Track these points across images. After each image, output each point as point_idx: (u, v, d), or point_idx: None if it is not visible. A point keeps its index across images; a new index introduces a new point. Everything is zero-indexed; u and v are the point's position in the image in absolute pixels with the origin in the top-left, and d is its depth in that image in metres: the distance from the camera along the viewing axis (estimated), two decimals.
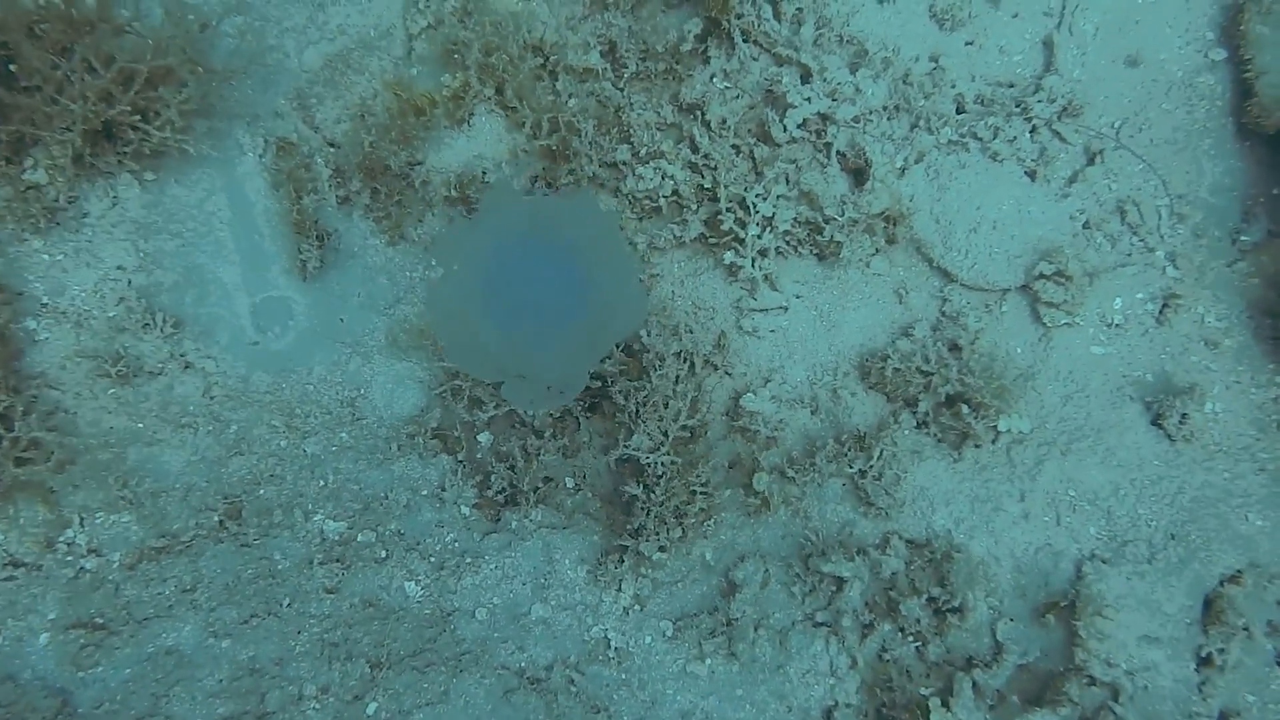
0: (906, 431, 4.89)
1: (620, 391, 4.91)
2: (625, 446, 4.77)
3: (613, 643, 4.54)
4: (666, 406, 4.80)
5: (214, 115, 5.00)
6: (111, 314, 4.58)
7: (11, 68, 4.38)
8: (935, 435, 4.86)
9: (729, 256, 5.11)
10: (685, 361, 4.99)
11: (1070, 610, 4.33)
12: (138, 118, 4.60)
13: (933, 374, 4.77)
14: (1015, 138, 4.95)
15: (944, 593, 4.46)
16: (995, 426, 4.69)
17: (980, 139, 5.02)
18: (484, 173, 5.36)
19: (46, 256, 4.55)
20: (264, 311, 4.98)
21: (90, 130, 4.50)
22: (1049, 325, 4.79)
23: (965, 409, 4.70)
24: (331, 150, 5.33)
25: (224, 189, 5.00)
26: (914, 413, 4.90)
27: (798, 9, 5.10)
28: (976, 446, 4.77)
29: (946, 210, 4.98)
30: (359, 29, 5.43)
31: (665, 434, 4.78)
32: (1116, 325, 4.76)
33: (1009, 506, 4.62)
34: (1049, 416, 4.70)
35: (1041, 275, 4.75)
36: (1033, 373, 4.77)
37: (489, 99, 5.34)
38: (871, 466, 4.75)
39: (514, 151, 5.39)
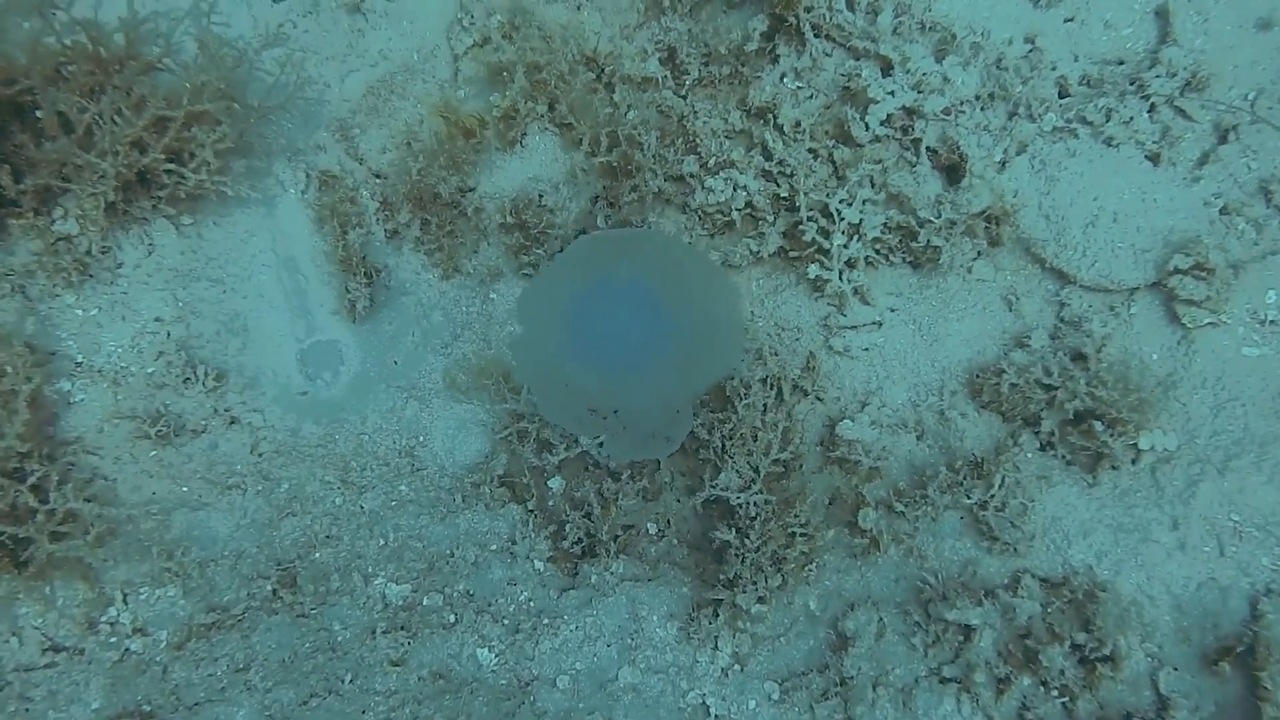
0: (1029, 454, 4.32)
1: (703, 425, 4.43)
2: (712, 486, 4.27)
3: (712, 709, 4.02)
4: (755, 439, 4.31)
5: (251, 153, 4.68)
6: (150, 370, 4.24)
7: (38, 113, 4.10)
8: (1064, 457, 4.28)
9: (813, 270, 4.62)
10: (772, 388, 4.50)
11: (1249, 656, 3.70)
12: (172, 162, 4.29)
13: (1057, 388, 4.21)
14: (1131, 119, 4.40)
15: (1091, 639, 3.86)
16: (1135, 445, 4.10)
17: (1090, 123, 4.48)
18: (540, 196, 4.97)
19: (80, 312, 4.23)
20: (312, 358, 4.62)
21: (123, 179, 4.20)
22: (1190, 326, 4.20)
23: (1098, 426, 4.12)
24: (377, 181, 4.98)
25: (265, 229, 4.67)
26: (1036, 433, 4.34)
27: None
28: (1114, 468, 4.18)
29: (1058, 204, 4.43)
30: (401, 53, 5.10)
31: (756, 470, 4.28)
32: (1271, 322, 4.15)
33: (1160, 536, 4.01)
34: (1199, 430, 4.10)
35: (1176, 270, 4.17)
36: (1174, 381, 4.18)
37: (542, 117, 4.97)
38: (993, 496, 4.19)
39: (572, 171, 4.99)
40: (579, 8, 5.20)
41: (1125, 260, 4.32)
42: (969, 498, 4.23)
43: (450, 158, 4.88)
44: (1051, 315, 4.48)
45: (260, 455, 4.38)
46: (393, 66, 5.16)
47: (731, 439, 4.29)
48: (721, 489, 4.23)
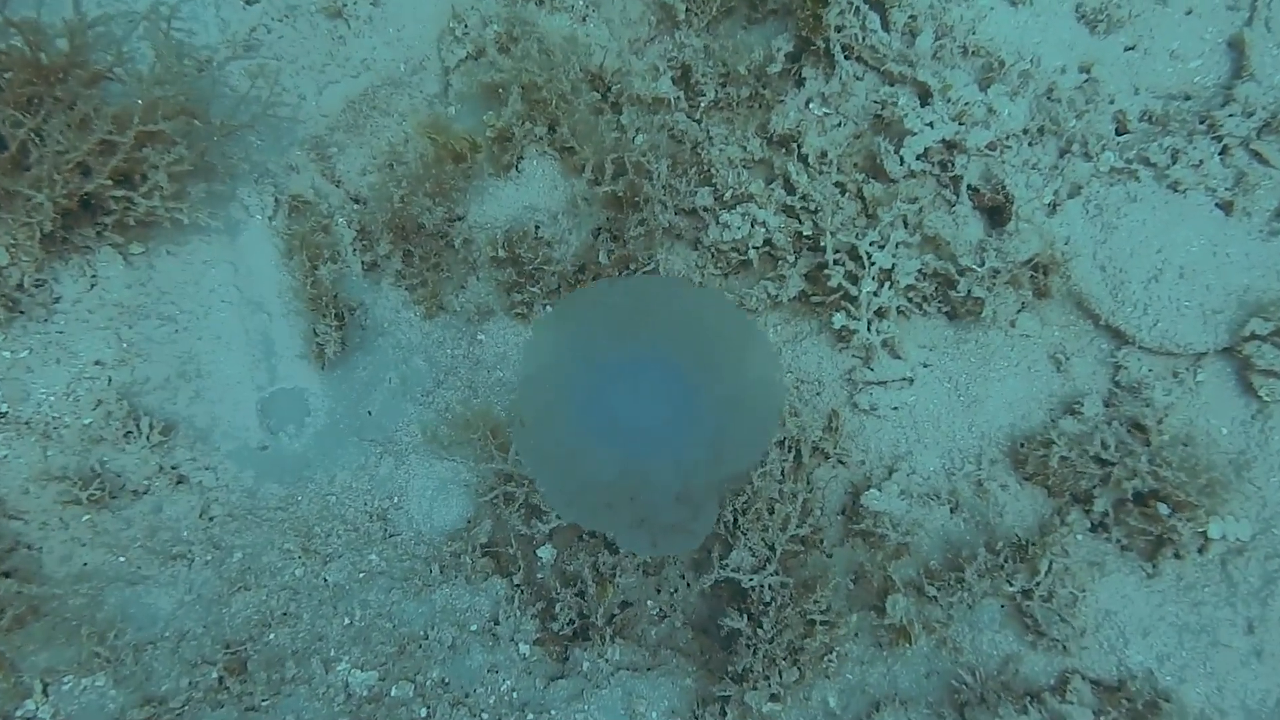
0: (1080, 536, 3.84)
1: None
2: (722, 567, 3.78)
3: None
4: (771, 512, 3.82)
5: (213, 175, 4.18)
6: (86, 421, 3.74)
7: None
8: (1119, 541, 3.81)
9: (838, 320, 4.14)
10: (790, 450, 4.01)
11: None
12: (120, 185, 3.79)
13: (1114, 464, 3.73)
14: (1201, 162, 3.92)
15: None
16: (1204, 532, 3.63)
17: (1154, 165, 4.00)
18: (537, 227, 4.47)
19: (8, 354, 3.73)
20: (275, 408, 4.12)
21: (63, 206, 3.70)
22: (1268, 400, 3.72)
23: (1162, 509, 3.64)
24: (355, 208, 4.49)
25: (226, 260, 4.18)
26: (1088, 511, 3.86)
27: (911, 16, 4.16)
28: (1178, 557, 3.71)
29: (1115, 255, 3.96)
30: (387, 63, 4.62)
31: (772, 548, 3.79)
32: None
33: (1232, 640, 3.53)
34: (1276, 519, 3.62)
35: (1254, 336, 3.70)
36: (1248, 461, 3.70)
37: (540, 140, 4.49)
38: (1038, 583, 3.71)
39: (572, 200, 4.51)
40: (584, 19, 4.73)
41: (1192, 321, 3.84)
42: (1011, 584, 3.75)
43: (437, 183, 4.39)
44: (1106, 379, 4.00)
45: (211, 520, 3.88)
46: (376, 79, 4.68)
47: (745, 513, 3.80)
48: (733, 570, 3.74)
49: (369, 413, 4.17)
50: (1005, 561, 3.78)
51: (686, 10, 4.54)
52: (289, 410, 4.11)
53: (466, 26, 4.68)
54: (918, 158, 4.17)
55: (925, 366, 4.19)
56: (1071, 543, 3.77)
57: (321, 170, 4.52)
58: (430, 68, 4.73)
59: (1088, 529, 3.85)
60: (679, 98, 4.49)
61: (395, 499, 4.08)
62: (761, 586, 3.73)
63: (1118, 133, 4.11)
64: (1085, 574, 3.74)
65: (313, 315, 4.07)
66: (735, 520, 3.82)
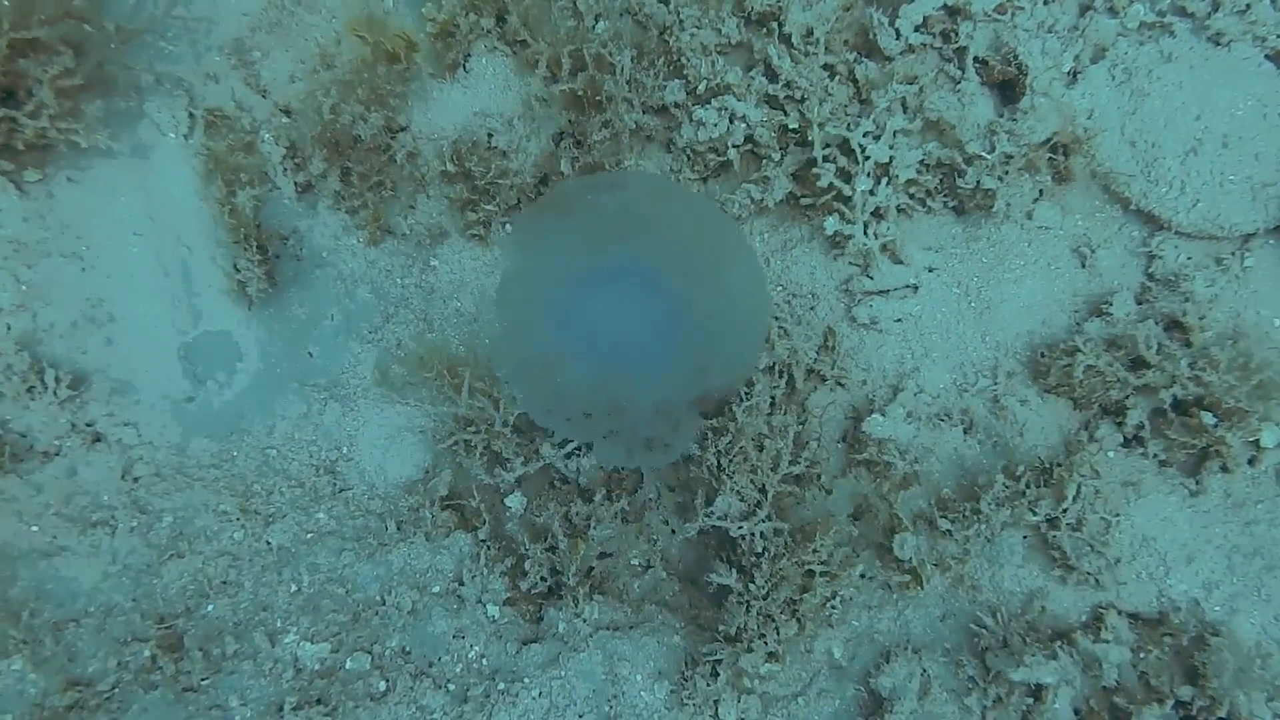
0: (1111, 454, 3.39)
1: (694, 435, 3.48)
2: (706, 515, 3.35)
3: None
4: (762, 450, 3.38)
5: (114, 90, 3.67)
6: None
7: None
8: (1157, 457, 3.36)
9: (831, 224, 3.65)
10: (781, 376, 3.55)
11: None
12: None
13: (1149, 368, 3.26)
14: (1248, 6, 3.37)
15: (1200, 696, 3.00)
16: (1256, 441, 3.18)
17: (1191, 15, 3.46)
18: (490, 135, 3.96)
19: None
20: (200, 354, 3.69)
21: None
22: None
23: (1207, 418, 3.18)
24: (284, 121, 3.97)
25: (136, 187, 3.71)
26: (1119, 424, 3.40)
27: None
28: (1225, 471, 3.26)
29: (1147, 126, 3.43)
30: None
31: (763, 490, 3.36)
32: None
33: None
34: None
35: None
36: None
37: (488, 33, 3.94)
38: (1065, 510, 3.28)
39: (528, 102, 3.98)
40: None
41: (1238, 198, 3.34)
42: (1034, 513, 3.32)
43: (372, 89, 3.87)
44: (1138, 272, 3.51)
45: (135, 481, 3.48)
46: None
47: (729, 454, 3.36)
48: (719, 518, 3.32)
49: (310, 354, 3.72)
50: (1027, 487, 3.35)
51: None
52: (217, 355, 3.67)
53: None
54: (916, 29, 3.65)
55: (931, 271, 3.70)
56: (1102, 462, 3.32)
57: (244, 79, 4.00)
58: None
59: (1120, 445, 3.40)
60: None
61: (344, 450, 3.66)
62: (752, 535, 3.31)
63: None
64: (1119, 496, 3.30)
65: (234, 248, 3.60)
66: (718, 464, 3.38)
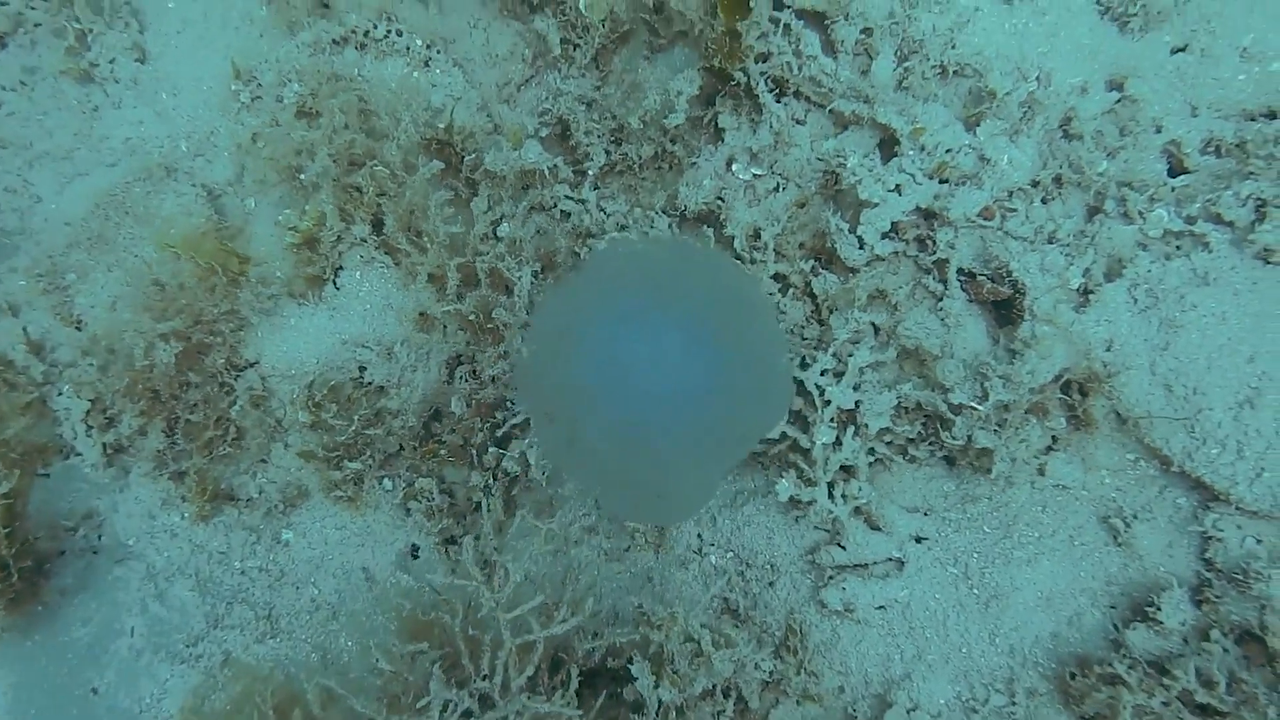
0: None
1: None
2: None
3: None
4: None
5: None
6: None
7: None
8: None
9: (785, 488, 2.84)
10: (729, 697, 2.68)
11: None
12: None
13: (1216, 705, 2.41)
14: None
15: None
16: None
17: (1230, 224, 2.70)
18: (362, 370, 3.17)
19: None
20: None
21: None
22: None
23: None
24: (89, 364, 3.16)
25: None
26: None
27: (863, 31, 2.87)
28: None
29: (1185, 366, 2.65)
30: (158, 143, 3.40)
31: None
32: None
33: None
34: None
35: None
36: None
37: (364, 242, 3.19)
38: None
39: (416, 322, 3.21)
40: (426, 63, 3.45)
41: None
42: None
43: (195, 317, 3.09)
44: (1192, 555, 2.68)
45: None
46: (142, 165, 3.43)
47: None
48: None
49: (94, 691, 2.83)
50: None
51: (563, 41, 3.25)
52: None
53: (259, 84, 3.41)
54: (884, 236, 2.89)
55: (919, 542, 2.87)
56: None
57: (53, 306, 3.23)
58: (221, 144, 3.48)
59: None
60: (555, 166, 3.21)
61: None
62: None
63: (1171, 174, 2.81)
64: None
65: None
66: None
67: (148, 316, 2.99)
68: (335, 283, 3.28)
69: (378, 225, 3.21)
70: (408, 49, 3.49)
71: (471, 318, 3.11)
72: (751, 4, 2.78)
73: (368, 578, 2.94)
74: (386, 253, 3.25)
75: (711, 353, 2.58)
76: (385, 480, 3.19)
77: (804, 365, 2.81)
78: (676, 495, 2.62)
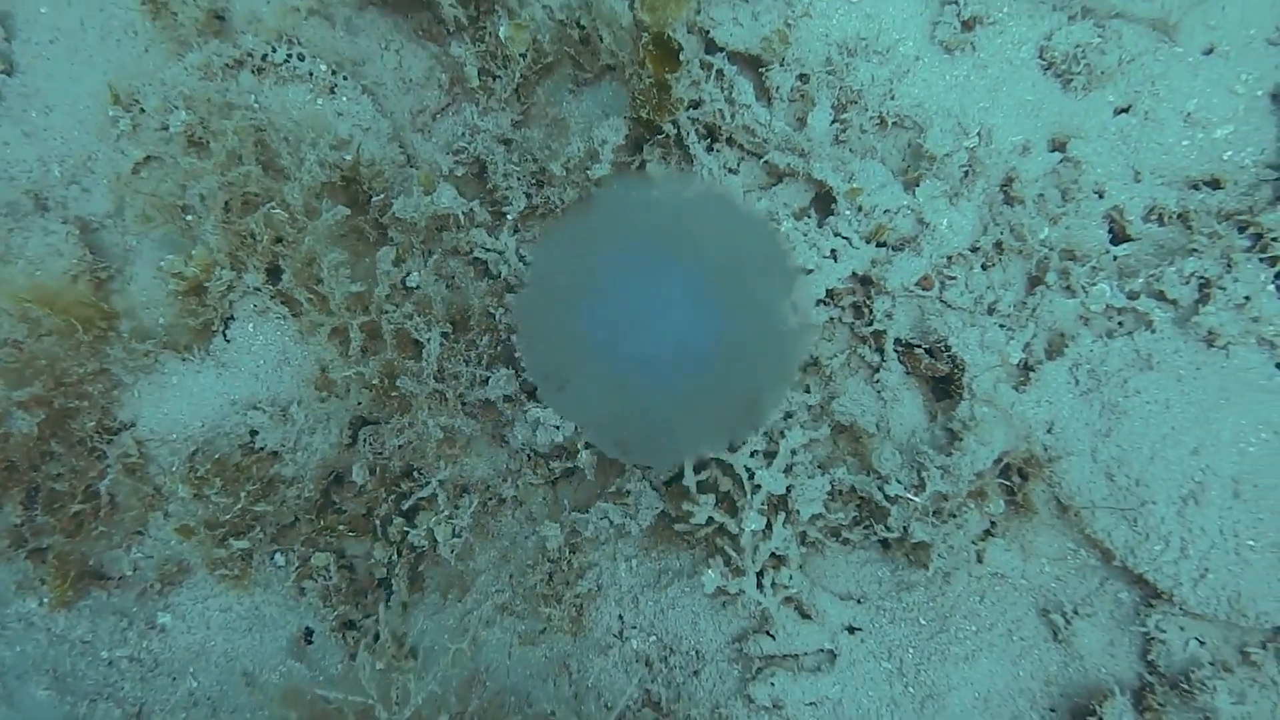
0: None
1: None
2: None
3: None
4: None
5: None
6: None
7: None
8: None
9: (711, 580, 2.64)
10: None
11: None
12: None
13: None
14: (1248, 298, 2.49)
15: None
16: None
17: (1174, 303, 2.57)
18: (253, 434, 2.89)
19: None
20: None
21: None
22: None
23: None
24: None
25: None
26: None
27: (799, 78, 2.68)
28: None
29: (1127, 456, 2.52)
30: (26, 167, 3.07)
31: None
32: None
33: None
34: None
35: None
36: None
37: (257, 291, 2.91)
38: None
39: (312, 382, 2.94)
40: (332, 90, 3.16)
41: (1263, 572, 2.41)
42: None
43: (57, 379, 2.77)
44: (1134, 657, 2.56)
45: None
46: (4, 194, 3.10)
47: None
48: None
49: None
50: None
51: (481, 72, 3.00)
52: None
53: (142, 109, 3.08)
54: (818, 303, 2.70)
55: (852, 632, 2.71)
56: None
57: None
58: (99, 173, 3.16)
59: None
60: (471, 210, 2.96)
61: None
62: None
63: (1114, 241, 2.68)
64: None
65: None
66: None
67: (1, 383, 2.67)
68: (225, 334, 2.99)
69: (274, 273, 2.92)
70: (311, 74, 3.19)
71: (375, 382, 2.86)
72: (681, 57, 2.57)
73: (249, 682, 2.67)
74: (283, 303, 2.97)
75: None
76: (277, 555, 2.92)
77: (732, 448, 2.62)
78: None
